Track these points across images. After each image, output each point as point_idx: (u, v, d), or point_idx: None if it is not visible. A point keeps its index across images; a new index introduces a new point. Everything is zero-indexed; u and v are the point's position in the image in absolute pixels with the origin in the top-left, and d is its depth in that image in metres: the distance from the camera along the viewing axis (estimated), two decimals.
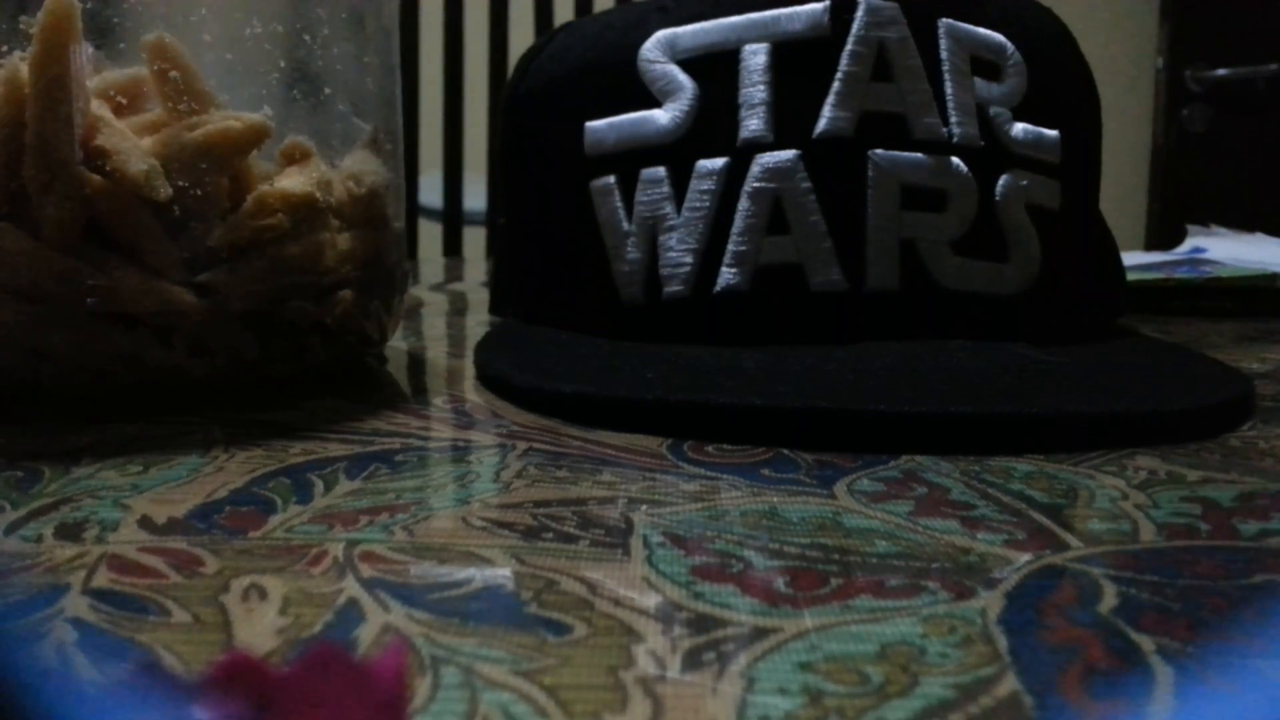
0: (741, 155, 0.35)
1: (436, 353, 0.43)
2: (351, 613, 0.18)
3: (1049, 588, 0.19)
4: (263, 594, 0.19)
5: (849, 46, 0.35)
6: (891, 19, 0.36)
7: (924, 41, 0.36)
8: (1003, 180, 0.36)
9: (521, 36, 0.88)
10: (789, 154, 0.35)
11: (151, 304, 0.30)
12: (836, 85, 0.35)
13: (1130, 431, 0.29)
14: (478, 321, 0.52)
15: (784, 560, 0.20)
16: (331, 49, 0.35)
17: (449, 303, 0.59)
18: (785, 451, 0.28)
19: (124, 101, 0.31)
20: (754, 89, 0.36)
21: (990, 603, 0.19)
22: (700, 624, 0.18)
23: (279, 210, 0.31)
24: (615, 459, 0.27)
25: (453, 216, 1.01)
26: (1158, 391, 0.31)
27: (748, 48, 0.36)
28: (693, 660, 0.17)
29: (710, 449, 0.28)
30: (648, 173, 0.36)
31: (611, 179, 0.37)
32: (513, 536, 0.22)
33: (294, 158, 0.33)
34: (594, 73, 0.39)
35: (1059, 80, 0.40)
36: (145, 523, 0.22)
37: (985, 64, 0.37)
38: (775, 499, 0.24)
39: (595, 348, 0.36)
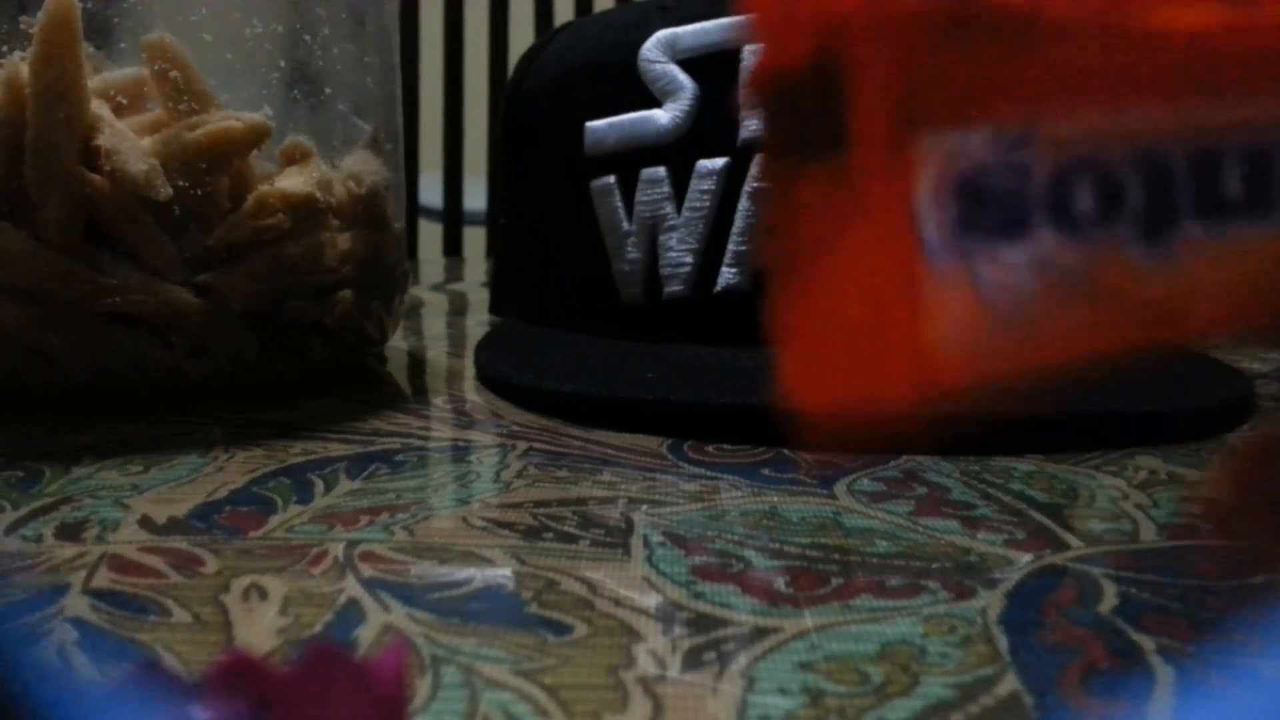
0: (742, 155, 0.35)
1: (437, 352, 0.43)
2: (352, 613, 0.18)
3: (1049, 588, 0.19)
4: (263, 594, 0.19)
5: None
6: None
7: None
8: None
9: (522, 36, 0.88)
10: None
11: (151, 304, 0.30)
12: None
13: (1131, 431, 0.29)
14: (478, 321, 0.52)
15: (784, 560, 0.20)
16: (332, 49, 0.35)
17: (449, 303, 0.59)
18: (785, 451, 0.28)
19: (124, 101, 0.31)
20: None
21: (991, 602, 0.19)
22: (701, 624, 0.18)
23: (279, 210, 0.31)
24: (615, 459, 0.27)
25: (453, 216, 1.01)
26: (1158, 391, 0.31)
27: (748, 48, 0.36)
28: (693, 660, 0.17)
29: (710, 449, 0.28)
30: (648, 172, 0.36)
31: (612, 179, 0.37)
32: (513, 536, 0.22)
33: (294, 157, 0.33)
34: (594, 72, 0.39)
35: None
36: (145, 522, 0.22)
37: None
38: (775, 499, 0.24)
39: (595, 348, 0.36)
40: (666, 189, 0.36)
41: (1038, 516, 0.23)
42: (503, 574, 0.20)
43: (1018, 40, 0.10)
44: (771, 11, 0.11)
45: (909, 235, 0.10)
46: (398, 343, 0.44)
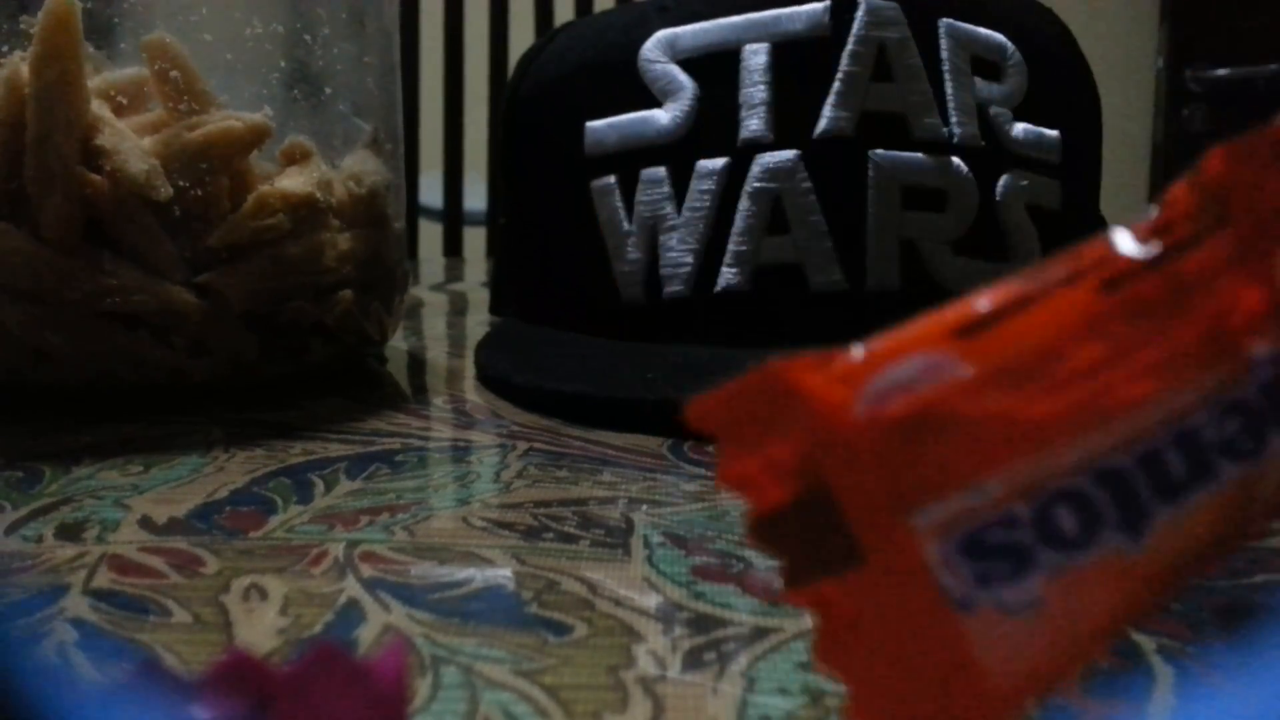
0: (742, 155, 0.35)
1: (437, 353, 0.43)
2: (352, 613, 0.18)
3: None
4: (263, 594, 0.19)
5: (849, 46, 0.35)
6: (892, 19, 0.36)
7: (924, 41, 0.36)
8: (1003, 180, 0.36)
9: (522, 37, 0.88)
10: (789, 154, 0.35)
11: (152, 304, 0.30)
12: (837, 85, 0.35)
13: None
14: (478, 321, 0.52)
15: None
16: (332, 49, 0.35)
17: (449, 303, 0.59)
18: None
19: (125, 101, 0.31)
20: (754, 89, 0.36)
21: None
22: (701, 624, 0.18)
23: (279, 210, 0.31)
24: (616, 459, 0.27)
25: (453, 217, 1.01)
26: None
27: (748, 48, 0.36)
28: (693, 660, 0.17)
29: (711, 449, 0.28)
30: (648, 173, 0.36)
31: (612, 179, 0.37)
32: (513, 536, 0.22)
33: (294, 158, 0.33)
34: (594, 73, 0.39)
35: (1059, 80, 0.40)
36: (146, 523, 0.22)
37: (985, 64, 0.37)
38: None
39: (596, 348, 0.36)
40: (667, 189, 0.36)
41: None
42: (503, 574, 0.20)
43: (974, 420, 0.11)
44: (745, 464, 0.12)
45: (938, 606, 0.11)
46: (398, 343, 0.44)
